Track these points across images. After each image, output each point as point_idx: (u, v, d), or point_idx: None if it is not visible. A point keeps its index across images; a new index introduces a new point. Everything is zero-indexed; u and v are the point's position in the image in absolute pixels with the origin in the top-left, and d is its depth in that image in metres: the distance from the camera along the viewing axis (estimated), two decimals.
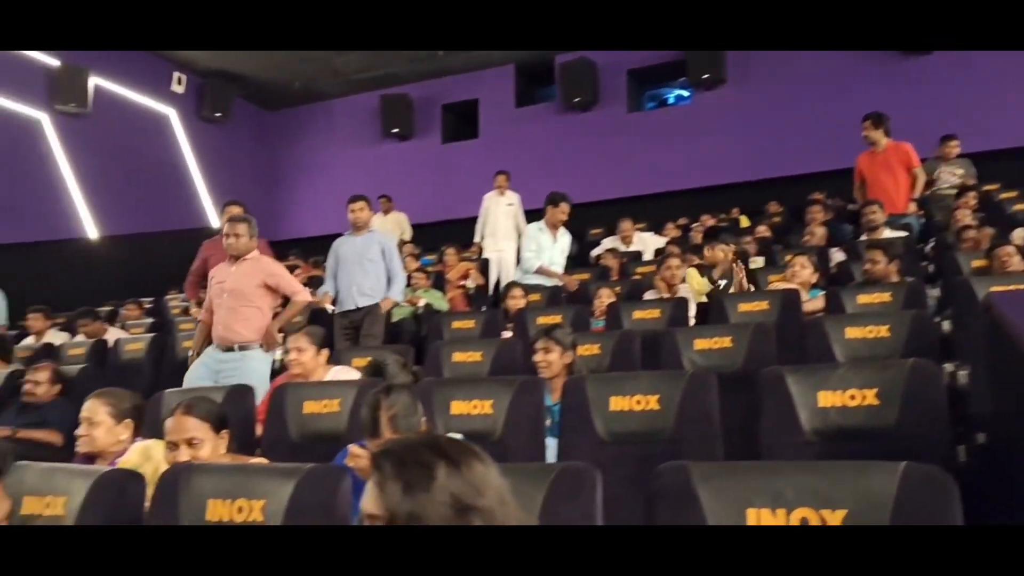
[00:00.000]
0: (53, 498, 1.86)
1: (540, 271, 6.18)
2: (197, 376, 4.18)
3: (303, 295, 4.42)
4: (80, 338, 6.12)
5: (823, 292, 4.78)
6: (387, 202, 10.16)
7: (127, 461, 2.50)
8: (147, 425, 2.99)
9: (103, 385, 4.01)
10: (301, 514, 1.63)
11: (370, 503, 1.12)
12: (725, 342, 3.66)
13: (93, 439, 2.64)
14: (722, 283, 5.44)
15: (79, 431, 2.69)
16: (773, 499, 1.44)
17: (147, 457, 2.51)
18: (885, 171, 6.52)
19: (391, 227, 10.00)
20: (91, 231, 9.96)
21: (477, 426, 2.70)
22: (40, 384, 4.19)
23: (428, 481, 1.10)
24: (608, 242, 8.30)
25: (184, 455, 2.22)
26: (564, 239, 6.39)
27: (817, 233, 6.81)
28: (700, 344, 3.73)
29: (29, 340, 6.45)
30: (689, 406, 2.65)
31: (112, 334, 6.08)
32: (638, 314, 4.83)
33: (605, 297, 5.32)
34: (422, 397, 2.73)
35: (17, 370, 4.68)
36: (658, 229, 8.82)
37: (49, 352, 5.57)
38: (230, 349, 4.17)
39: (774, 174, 9.89)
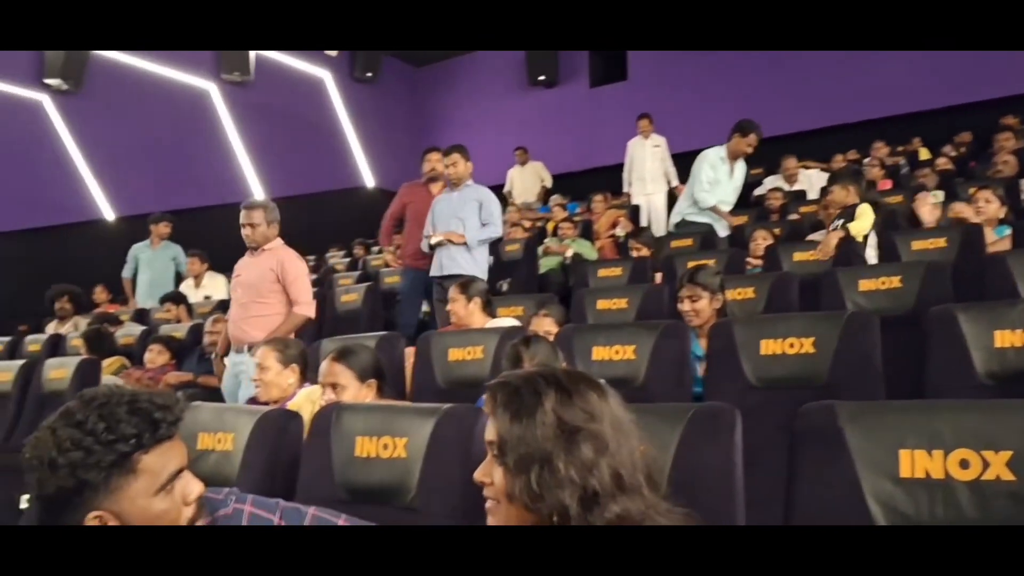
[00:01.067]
0: (223, 434, 2.02)
1: (713, 210, 5.72)
2: (225, 387, 3.93)
3: (305, 308, 3.85)
4: None
5: (1011, 229, 4.35)
6: (523, 153, 10.14)
7: (293, 404, 2.71)
8: (312, 370, 3.19)
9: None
10: (440, 450, 1.68)
11: (487, 431, 1.16)
12: (894, 282, 3.43)
13: (266, 383, 2.88)
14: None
15: (253, 376, 2.94)
16: (929, 439, 1.34)
17: (311, 401, 2.69)
18: None
19: (530, 178, 10.04)
20: (258, 193, 10.62)
21: (619, 372, 2.68)
22: (217, 334, 4.54)
23: (535, 407, 1.13)
24: (771, 181, 7.93)
25: (329, 396, 2.40)
26: (740, 174, 5.84)
27: (1008, 163, 6.18)
28: (865, 285, 3.52)
29: (189, 282, 6.99)
30: (847, 349, 2.49)
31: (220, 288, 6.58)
32: (799, 256, 4.60)
33: (761, 239, 5.09)
34: (563, 344, 2.75)
35: (197, 323, 5.10)
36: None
37: (225, 307, 6.01)
38: (241, 351, 3.83)
39: (959, 100, 9.00)
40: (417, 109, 13.43)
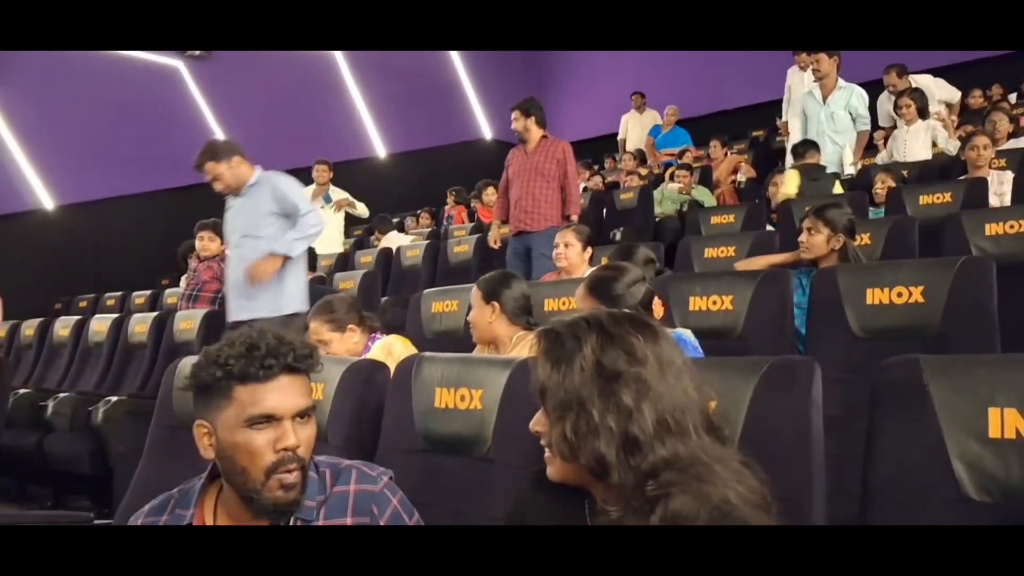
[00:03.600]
0: (315, 385, 2.11)
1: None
2: None
3: None
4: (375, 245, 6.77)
5: None
6: (640, 98, 9.87)
7: (372, 357, 2.72)
8: (411, 324, 3.26)
9: (385, 287, 4.33)
10: (514, 401, 1.70)
11: (533, 378, 1.14)
12: None
13: (335, 355, 2.70)
14: None
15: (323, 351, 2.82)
16: (1021, 397, 1.25)
17: (388, 352, 2.71)
18: None
19: (648, 125, 9.78)
20: (380, 150, 10.90)
21: (716, 323, 2.60)
22: None
23: (574, 352, 1.09)
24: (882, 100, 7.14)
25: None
26: (840, 97, 5.35)
27: None
28: (993, 229, 3.29)
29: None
30: (960, 298, 2.34)
31: (395, 240, 6.70)
32: (925, 199, 4.32)
33: (882, 182, 4.79)
34: (659, 293, 2.69)
35: (318, 276, 5.32)
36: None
37: (345, 260, 6.23)
38: None
39: None
40: (533, 56, 13.28)
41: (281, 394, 1.27)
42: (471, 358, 1.92)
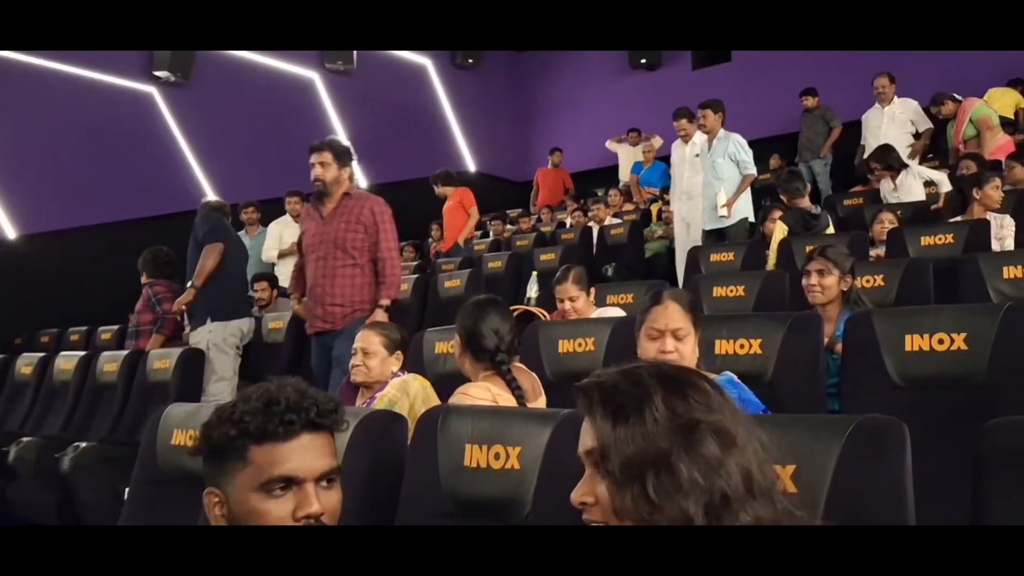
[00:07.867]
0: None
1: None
2: None
3: None
4: None
5: None
6: (637, 135, 9.89)
7: (386, 395, 2.55)
8: (413, 363, 3.07)
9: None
10: (558, 461, 1.52)
11: (583, 440, 0.99)
12: None
13: (369, 369, 2.70)
14: None
15: (354, 361, 2.73)
16: None
17: (404, 392, 2.54)
18: None
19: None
20: (361, 181, 10.69)
21: (745, 367, 2.44)
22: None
23: (642, 402, 0.95)
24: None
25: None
26: (719, 146, 5.72)
27: None
28: (1011, 272, 3.22)
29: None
30: (1005, 346, 2.21)
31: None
32: (927, 240, 4.26)
33: (887, 222, 4.74)
34: None
35: None
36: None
37: None
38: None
39: None
40: (519, 93, 13.20)
41: (303, 454, 1.13)
42: (506, 410, 1.74)
